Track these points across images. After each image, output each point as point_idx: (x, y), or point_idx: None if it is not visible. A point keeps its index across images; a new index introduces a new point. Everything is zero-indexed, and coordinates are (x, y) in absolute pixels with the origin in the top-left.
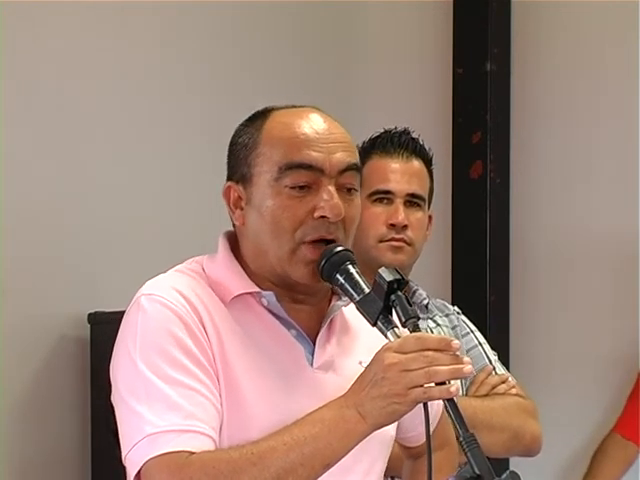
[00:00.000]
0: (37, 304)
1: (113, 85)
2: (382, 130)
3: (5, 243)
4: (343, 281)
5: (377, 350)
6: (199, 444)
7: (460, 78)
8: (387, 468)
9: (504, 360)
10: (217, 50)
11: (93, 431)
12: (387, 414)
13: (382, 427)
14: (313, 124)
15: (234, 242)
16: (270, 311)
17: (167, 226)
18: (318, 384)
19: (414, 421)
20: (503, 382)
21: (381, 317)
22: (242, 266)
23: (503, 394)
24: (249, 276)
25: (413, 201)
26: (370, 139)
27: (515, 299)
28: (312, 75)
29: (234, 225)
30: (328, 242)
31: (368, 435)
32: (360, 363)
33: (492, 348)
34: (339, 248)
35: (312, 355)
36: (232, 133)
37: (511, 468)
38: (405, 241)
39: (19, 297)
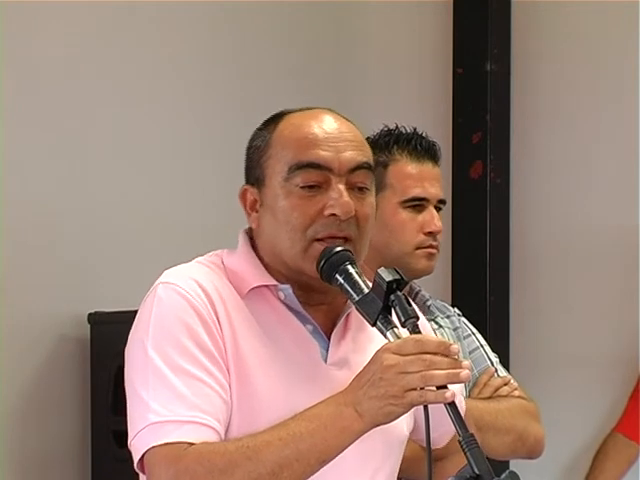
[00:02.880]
0: (37, 304)
1: (114, 85)
2: (400, 127)
3: (5, 243)
4: (342, 281)
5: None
6: (200, 435)
7: (460, 78)
8: (401, 470)
9: (504, 361)
10: (217, 50)
11: (93, 431)
12: (384, 414)
13: (380, 426)
14: (323, 124)
15: (253, 240)
16: (286, 305)
17: (167, 226)
18: (331, 380)
19: (434, 423)
20: (505, 384)
21: (380, 317)
22: (261, 262)
23: (506, 396)
24: (268, 272)
25: (439, 206)
26: (390, 133)
27: (515, 299)
28: (312, 75)
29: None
30: (342, 239)
31: (365, 433)
32: None
33: (492, 349)
34: (338, 248)
35: (326, 351)
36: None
37: (511, 468)
38: (437, 247)
39: (19, 297)
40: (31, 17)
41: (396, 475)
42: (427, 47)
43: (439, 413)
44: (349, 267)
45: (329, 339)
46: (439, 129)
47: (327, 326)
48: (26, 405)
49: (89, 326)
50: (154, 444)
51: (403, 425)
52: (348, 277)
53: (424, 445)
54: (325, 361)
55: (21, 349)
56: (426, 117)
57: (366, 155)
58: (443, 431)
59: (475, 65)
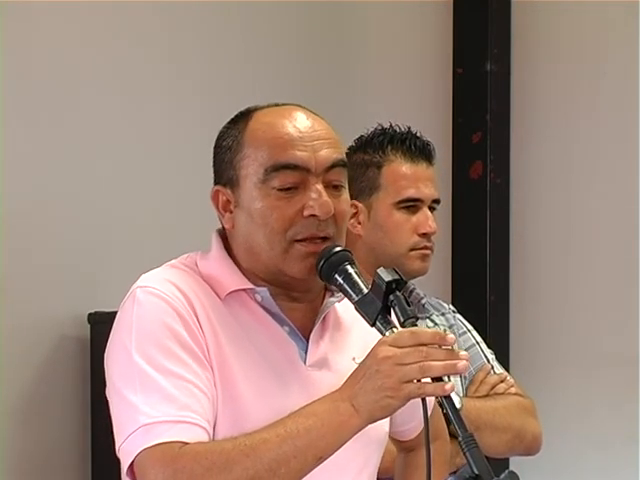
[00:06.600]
0: (37, 304)
1: (113, 85)
2: (394, 126)
3: (5, 243)
4: (342, 281)
5: (371, 346)
6: (193, 435)
7: (460, 78)
8: (381, 471)
9: (504, 360)
10: (217, 50)
11: (93, 431)
12: (380, 408)
13: (376, 421)
14: (296, 122)
15: (226, 241)
16: (264, 308)
17: (167, 226)
18: (311, 382)
19: (407, 415)
20: (502, 381)
21: (380, 317)
22: (235, 264)
23: (503, 393)
24: (243, 274)
25: (434, 206)
26: (384, 132)
27: (515, 299)
28: (312, 75)
29: (224, 227)
30: (322, 239)
31: (362, 429)
32: (353, 359)
33: (492, 348)
34: (337, 248)
35: (305, 352)
36: None
37: (511, 467)
38: (432, 248)
39: (19, 297)
40: (31, 17)
41: (376, 473)
42: (427, 47)
43: (410, 408)
44: (348, 267)
45: (307, 340)
46: (439, 129)
47: (305, 327)
48: (26, 405)
49: (89, 326)
50: (146, 446)
51: (384, 422)
52: (347, 277)
53: (396, 437)
54: (304, 362)
55: (21, 349)
56: (426, 117)
57: (340, 152)
58: (412, 426)
59: (475, 65)
